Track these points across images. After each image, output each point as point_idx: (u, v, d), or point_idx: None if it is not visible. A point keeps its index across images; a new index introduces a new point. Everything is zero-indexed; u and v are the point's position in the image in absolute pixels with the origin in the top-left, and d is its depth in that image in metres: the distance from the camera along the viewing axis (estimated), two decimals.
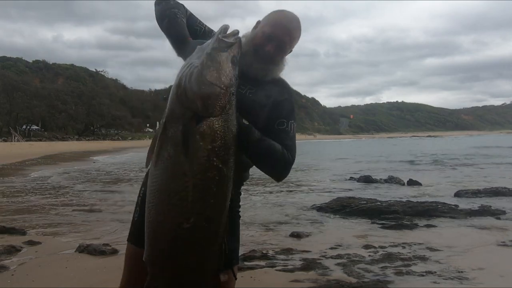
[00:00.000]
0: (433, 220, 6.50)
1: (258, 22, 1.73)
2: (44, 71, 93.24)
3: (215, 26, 1.84)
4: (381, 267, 4.03)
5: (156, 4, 1.86)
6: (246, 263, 4.09)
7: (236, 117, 1.48)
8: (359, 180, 12.83)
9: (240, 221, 1.77)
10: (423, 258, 4.35)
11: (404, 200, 8.08)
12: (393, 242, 5.06)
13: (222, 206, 1.48)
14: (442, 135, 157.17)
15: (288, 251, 4.62)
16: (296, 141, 1.68)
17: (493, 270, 3.98)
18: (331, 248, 4.79)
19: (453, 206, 7.30)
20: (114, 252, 4.36)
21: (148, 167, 1.51)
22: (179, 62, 1.68)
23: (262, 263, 4.16)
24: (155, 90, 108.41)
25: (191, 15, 1.90)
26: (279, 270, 3.95)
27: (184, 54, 1.66)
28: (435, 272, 3.87)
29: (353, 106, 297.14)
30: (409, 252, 4.60)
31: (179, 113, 1.40)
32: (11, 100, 58.31)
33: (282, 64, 1.73)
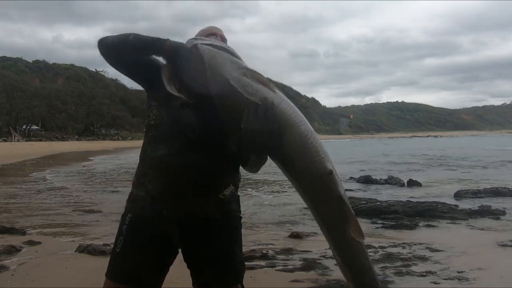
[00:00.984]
0: (433, 220, 6.50)
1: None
2: (44, 71, 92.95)
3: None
4: (381, 267, 4.01)
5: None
6: (246, 263, 4.07)
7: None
8: (359, 180, 12.82)
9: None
10: (423, 258, 4.34)
11: (404, 200, 8.07)
12: (393, 242, 5.05)
13: None
14: (442, 135, 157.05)
15: (288, 251, 4.61)
16: None
17: (493, 270, 3.97)
18: None
19: (453, 206, 7.31)
20: None
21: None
22: None
23: (262, 263, 4.15)
24: None
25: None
26: (279, 270, 3.94)
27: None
28: (435, 272, 3.86)
29: (353, 106, 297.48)
30: (409, 252, 4.59)
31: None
32: (11, 100, 58.38)
33: None
